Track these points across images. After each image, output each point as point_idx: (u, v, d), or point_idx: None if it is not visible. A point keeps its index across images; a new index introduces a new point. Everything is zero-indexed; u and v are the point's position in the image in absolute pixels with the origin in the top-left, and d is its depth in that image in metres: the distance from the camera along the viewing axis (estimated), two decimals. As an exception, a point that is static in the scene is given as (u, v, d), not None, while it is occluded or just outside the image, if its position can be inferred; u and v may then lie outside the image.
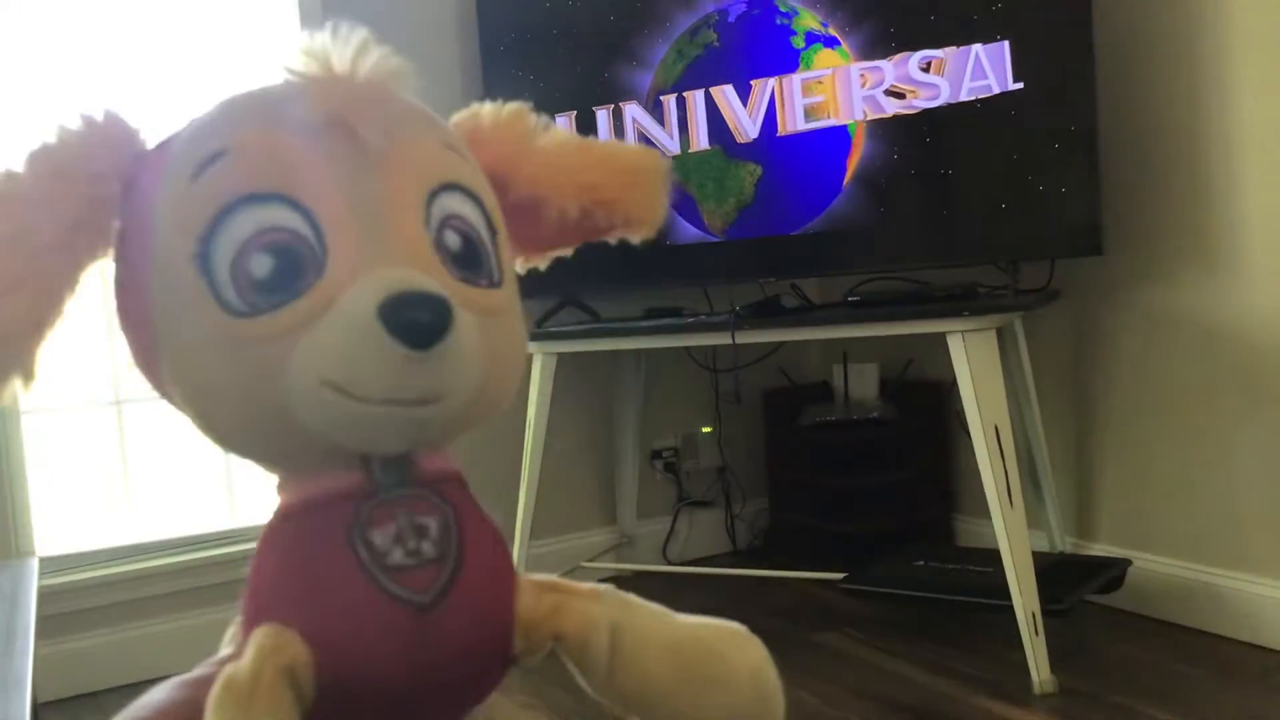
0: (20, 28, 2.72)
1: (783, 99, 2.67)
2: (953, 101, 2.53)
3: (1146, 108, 2.59)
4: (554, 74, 2.95)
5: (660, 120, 2.76)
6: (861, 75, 2.62)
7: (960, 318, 2.33)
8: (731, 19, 2.69)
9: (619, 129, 2.80)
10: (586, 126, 2.87)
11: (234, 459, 3.02)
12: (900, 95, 2.58)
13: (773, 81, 2.68)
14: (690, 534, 3.52)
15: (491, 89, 3.07)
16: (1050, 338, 2.88)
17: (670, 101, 2.74)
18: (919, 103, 2.57)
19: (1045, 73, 2.47)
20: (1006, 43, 2.47)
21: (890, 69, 2.59)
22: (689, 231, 2.84)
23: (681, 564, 3.42)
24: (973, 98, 2.52)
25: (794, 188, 2.70)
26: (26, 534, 2.72)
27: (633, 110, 2.77)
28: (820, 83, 2.65)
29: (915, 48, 2.57)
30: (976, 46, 2.50)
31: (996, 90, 2.49)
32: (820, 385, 3.52)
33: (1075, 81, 2.44)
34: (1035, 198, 2.49)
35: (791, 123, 2.69)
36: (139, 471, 2.87)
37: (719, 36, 2.69)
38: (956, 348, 2.35)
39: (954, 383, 2.39)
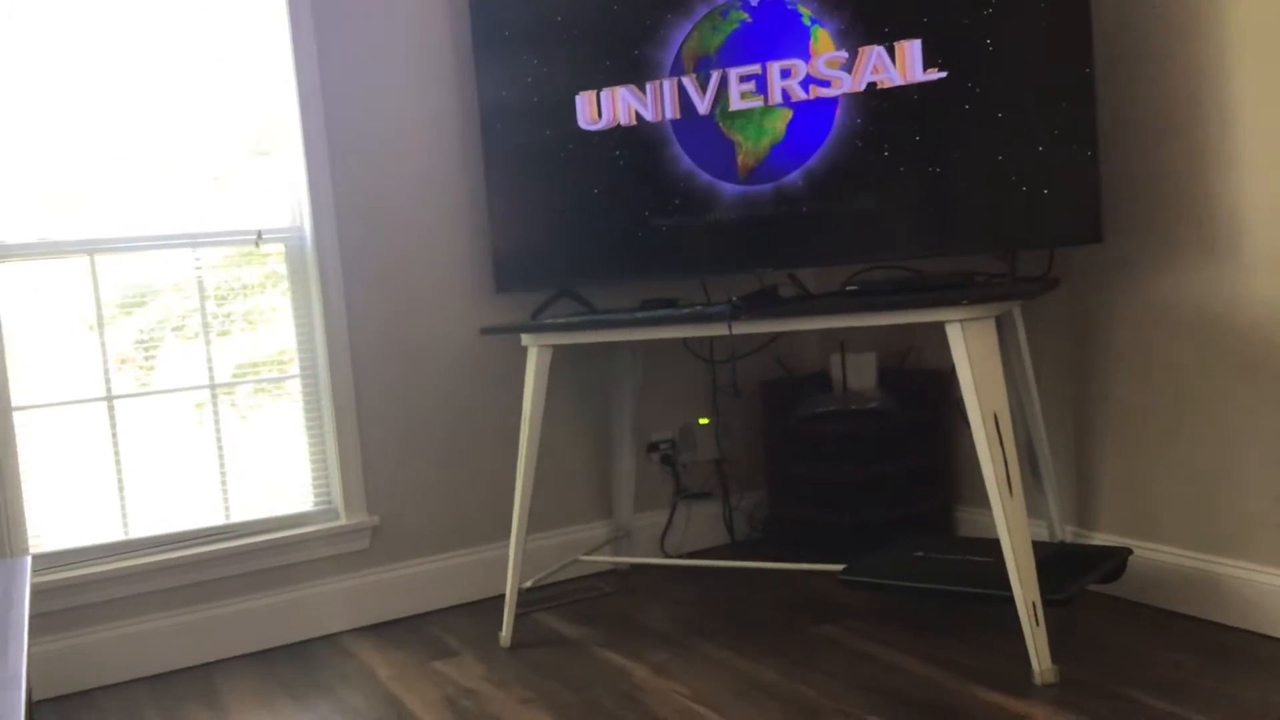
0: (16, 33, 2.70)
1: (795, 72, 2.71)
2: (944, 82, 2.52)
3: (1145, 96, 2.57)
4: (562, 57, 2.94)
5: (703, 85, 2.78)
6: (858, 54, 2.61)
7: (958, 306, 2.31)
8: (755, 3, 2.72)
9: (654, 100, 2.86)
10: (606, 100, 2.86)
11: (228, 453, 2.96)
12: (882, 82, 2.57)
13: (794, 60, 2.71)
14: (688, 526, 3.50)
15: (487, 77, 3.05)
16: (1050, 326, 2.86)
17: (717, 70, 2.78)
18: (903, 80, 2.56)
19: (1043, 60, 2.46)
20: (1001, 29, 2.46)
21: (879, 53, 2.58)
22: (701, 181, 2.83)
23: (679, 556, 3.41)
24: (970, 82, 2.51)
25: (812, 129, 2.72)
26: (20, 531, 2.69)
27: (664, 82, 2.83)
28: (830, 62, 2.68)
29: (905, 35, 2.56)
30: (974, 34, 2.49)
31: (992, 75, 2.47)
32: (818, 375, 3.50)
33: (1073, 70, 2.43)
34: (1034, 186, 2.48)
35: (805, 91, 2.71)
36: (132, 468, 2.85)
37: (750, 15, 2.72)
38: (955, 336, 2.33)
39: (953, 371, 2.38)
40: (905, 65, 2.60)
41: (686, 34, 2.82)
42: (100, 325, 2.81)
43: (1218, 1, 2.40)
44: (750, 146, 2.76)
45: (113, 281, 2.83)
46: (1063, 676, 2.29)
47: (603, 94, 2.91)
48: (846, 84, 2.67)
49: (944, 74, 2.55)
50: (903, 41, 2.59)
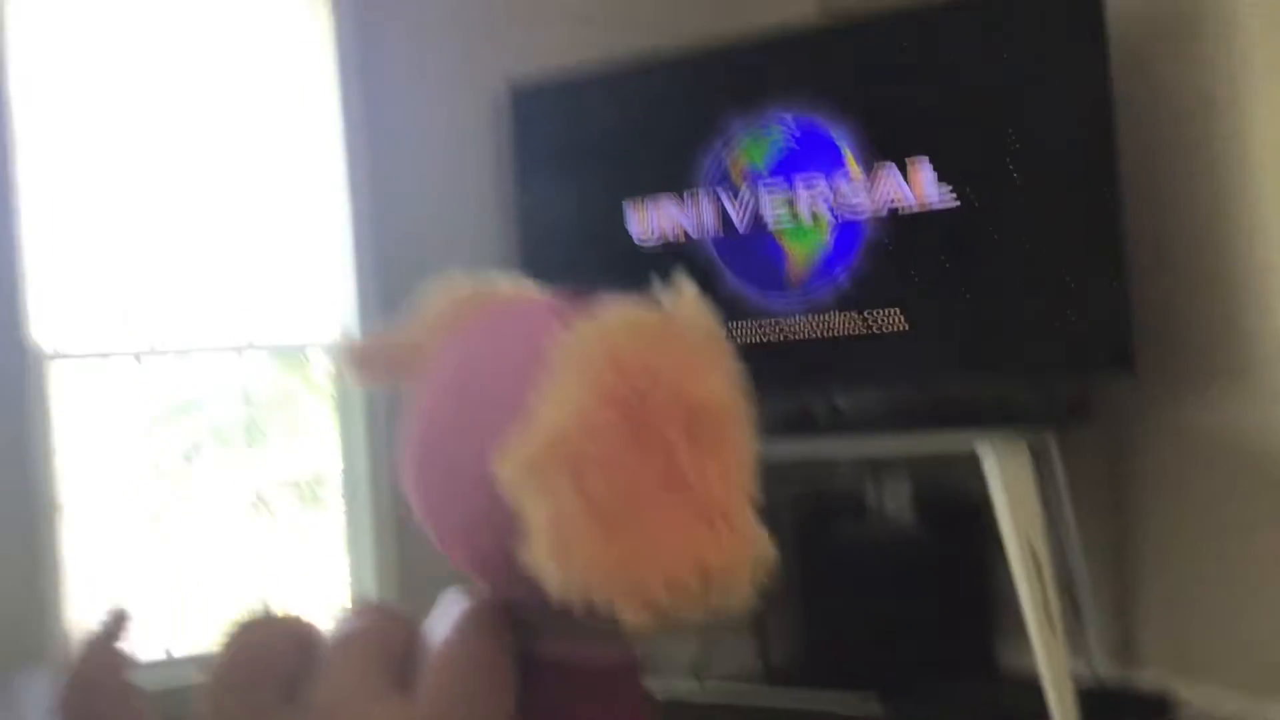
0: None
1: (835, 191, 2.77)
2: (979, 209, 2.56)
3: (1177, 228, 2.59)
4: (604, 172, 3.04)
5: (740, 201, 2.87)
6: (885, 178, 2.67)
7: (992, 432, 2.30)
8: (795, 127, 2.81)
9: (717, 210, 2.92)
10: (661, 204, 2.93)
11: (266, 562, 2.93)
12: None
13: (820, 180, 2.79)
14: (720, 656, 3.42)
15: (527, 188, 3.13)
16: (1086, 455, 2.82)
17: (759, 185, 2.86)
18: (940, 206, 2.60)
19: (1069, 189, 2.49)
20: (1026, 159, 2.51)
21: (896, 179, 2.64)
22: (736, 296, 2.88)
23: (712, 686, 3.32)
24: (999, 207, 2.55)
25: (846, 247, 2.77)
26: (59, 637, 2.70)
27: (721, 192, 2.90)
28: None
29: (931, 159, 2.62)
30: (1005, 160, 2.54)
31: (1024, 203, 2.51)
32: (852, 500, 3.46)
33: (1103, 202, 2.46)
34: (1063, 313, 2.48)
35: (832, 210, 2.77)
36: (179, 583, 2.86)
37: (790, 134, 2.82)
38: (989, 462, 2.31)
39: (989, 500, 2.35)
40: (921, 190, 2.64)
41: (728, 150, 2.89)
42: (147, 430, 2.87)
43: (1246, 128, 2.43)
44: (802, 254, 2.80)
45: (160, 388, 2.91)
46: (1105, 822, 2.19)
47: (647, 206, 2.98)
48: (869, 207, 2.72)
49: (957, 201, 2.58)
50: (918, 165, 2.64)
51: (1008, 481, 2.29)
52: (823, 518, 3.37)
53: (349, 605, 0.96)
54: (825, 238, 2.78)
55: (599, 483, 0.75)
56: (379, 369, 1.01)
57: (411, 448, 0.93)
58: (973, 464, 2.35)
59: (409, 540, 3.05)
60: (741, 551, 0.76)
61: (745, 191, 2.86)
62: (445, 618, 0.94)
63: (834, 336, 2.77)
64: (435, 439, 0.92)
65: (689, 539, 0.76)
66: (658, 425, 0.77)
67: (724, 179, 2.90)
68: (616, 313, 0.82)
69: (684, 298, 0.90)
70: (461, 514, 0.89)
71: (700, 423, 0.79)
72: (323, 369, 3.09)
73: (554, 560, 0.75)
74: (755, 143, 2.87)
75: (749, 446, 0.81)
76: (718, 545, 0.75)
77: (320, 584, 3.04)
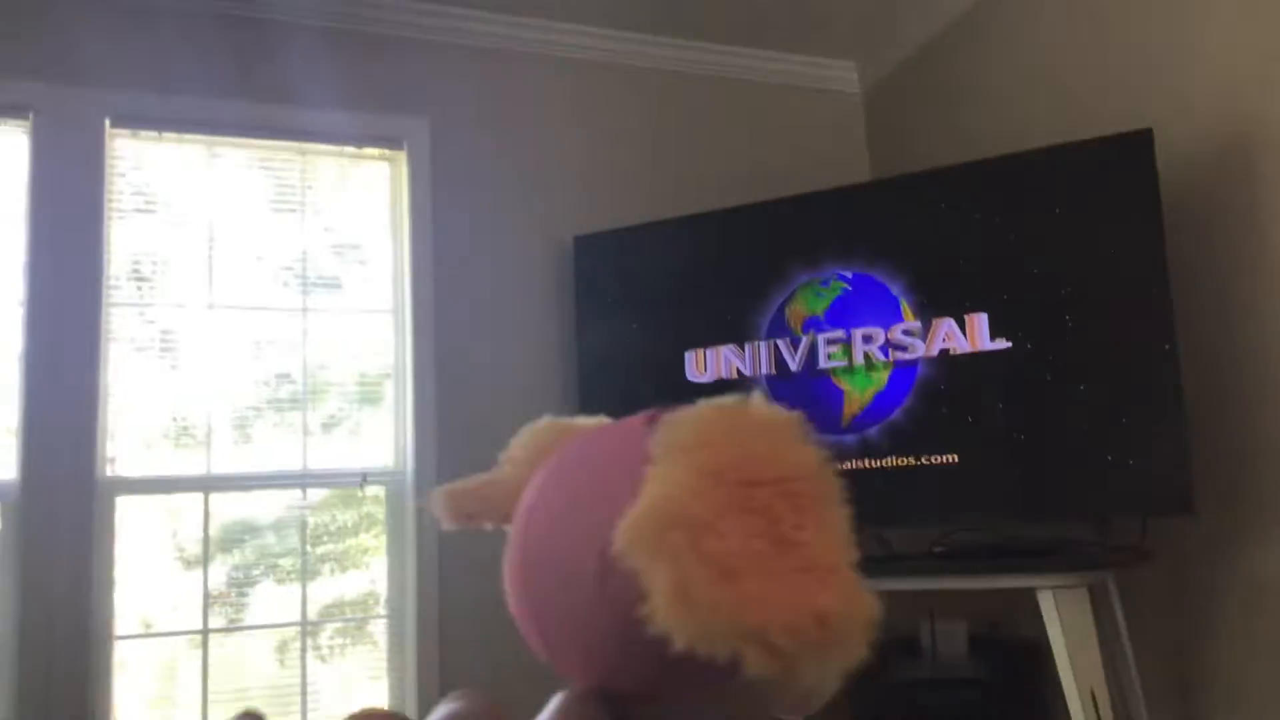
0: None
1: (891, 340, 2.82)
2: (1038, 355, 2.59)
3: (1234, 368, 2.60)
4: (661, 318, 3.13)
5: (795, 346, 2.94)
6: (945, 334, 2.72)
7: (1050, 573, 2.28)
8: (850, 275, 2.90)
9: (775, 358, 3.01)
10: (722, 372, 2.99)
11: (311, 694, 2.95)
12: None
13: (874, 328, 2.84)
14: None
15: (587, 331, 3.22)
16: (1147, 599, 2.78)
17: (823, 330, 2.93)
18: (996, 349, 2.64)
19: (1124, 332, 2.52)
20: (1080, 304, 2.55)
21: (954, 331, 2.69)
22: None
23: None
24: (1054, 351, 2.58)
25: (900, 389, 2.81)
26: (101, 764, 2.71)
27: (779, 340, 2.98)
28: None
29: (977, 309, 2.67)
30: (1060, 308, 2.59)
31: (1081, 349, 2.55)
32: (907, 640, 3.41)
33: (1156, 343, 2.48)
34: (1121, 455, 2.48)
35: (884, 356, 2.81)
36: (217, 704, 2.87)
37: (849, 285, 2.90)
38: (1047, 605, 2.28)
39: (1047, 642, 2.31)
40: (975, 336, 2.69)
41: (787, 299, 2.97)
42: (205, 560, 2.92)
43: (1297, 282, 2.46)
44: (857, 395, 2.84)
45: (218, 518, 2.96)
46: None
47: (707, 352, 3.05)
48: (921, 350, 2.77)
49: (1009, 344, 2.63)
50: (972, 315, 2.70)
51: (1066, 624, 2.26)
52: (877, 659, 3.31)
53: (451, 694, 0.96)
54: (881, 379, 2.83)
55: (712, 539, 0.79)
56: (471, 510, 1.03)
57: (514, 555, 0.96)
58: (1031, 607, 2.32)
59: (450, 674, 3.05)
60: (855, 602, 0.78)
61: (804, 339, 2.93)
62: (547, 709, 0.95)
63: (887, 474, 2.78)
64: (539, 534, 0.95)
65: (804, 588, 0.79)
66: (756, 491, 0.82)
67: (781, 328, 2.98)
68: (703, 405, 0.88)
69: (758, 398, 0.94)
70: (571, 604, 0.91)
71: (795, 489, 0.83)
72: (376, 500, 3.13)
73: (677, 610, 0.78)
74: (814, 294, 2.95)
75: (845, 513, 0.83)
76: (831, 594, 0.78)
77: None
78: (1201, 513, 2.50)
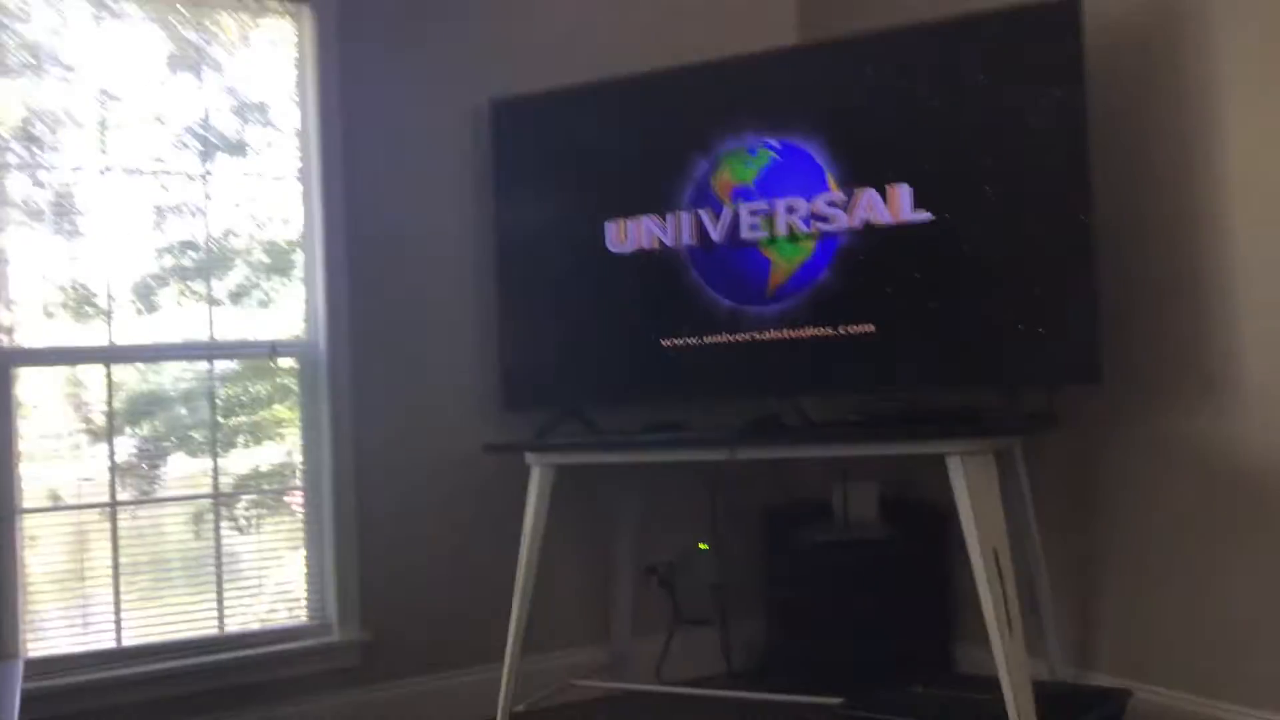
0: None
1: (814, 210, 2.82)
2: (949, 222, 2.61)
3: (1145, 239, 2.65)
4: (583, 187, 3.08)
5: (717, 218, 2.92)
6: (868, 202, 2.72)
7: (959, 439, 2.35)
8: (778, 145, 2.87)
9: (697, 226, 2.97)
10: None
11: (225, 564, 2.96)
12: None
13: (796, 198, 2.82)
14: (685, 653, 3.46)
15: (505, 201, 3.15)
16: (1050, 463, 2.88)
17: (754, 200, 2.90)
18: (915, 220, 2.66)
19: (1041, 205, 2.55)
20: (1000, 175, 2.56)
21: (875, 201, 2.69)
22: (713, 306, 2.91)
23: (675, 684, 3.35)
24: (971, 221, 2.60)
25: (823, 260, 2.83)
26: (12, 636, 2.68)
27: (701, 210, 2.95)
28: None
29: (898, 179, 2.67)
30: (979, 176, 2.60)
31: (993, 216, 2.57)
32: (819, 504, 3.51)
33: (1072, 217, 2.51)
34: (1032, 325, 2.54)
35: (806, 227, 2.80)
36: (129, 576, 2.84)
37: (777, 154, 2.87)
38: (955, 470, 2.35)
39: (953, 505, 2.39)
40: (896, 207, 2.70)
41: (712, 168, 2.92)
42: (110, 432, 2.84)
43: (1216, 139, 2.49)
44: (784, 264, 2.84)
45: (124, 390, 2.88)
46: (1064, 822, 2.24)
47: (628, 223, 3.00)
48: (843, 221, 2.76)
49: (930, 216, 2.64)
50: (894, 185, 2.70)
51: (973, 488, 2.34)
52: (790, 522, 3.41)
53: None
54: (803, 251, 2.82)
55: None
56: None
57: None
58: (939, 471, 2.39)
59: (368, 541, 3.06)
60: None
61: (726, 208, 2.90)
62: None
63: (806, 344, 2.81)
64: None
65: None
66: None
67: (705, 198, 2.93)
68: None
69: None
70: None
71: None
72: (289, 372, 3.07)
73: None
74: (741, 163, 2.90)
75: None
76: None
77: (278, 587, 3.03)
78: (1108, 383, 2.58)
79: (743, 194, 2.89)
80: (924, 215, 2.66)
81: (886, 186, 2.71)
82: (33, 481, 2.76)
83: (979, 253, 2.61)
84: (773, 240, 2.85)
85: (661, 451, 2.82)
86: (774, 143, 2.87)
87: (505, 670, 2.81)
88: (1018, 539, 2.74)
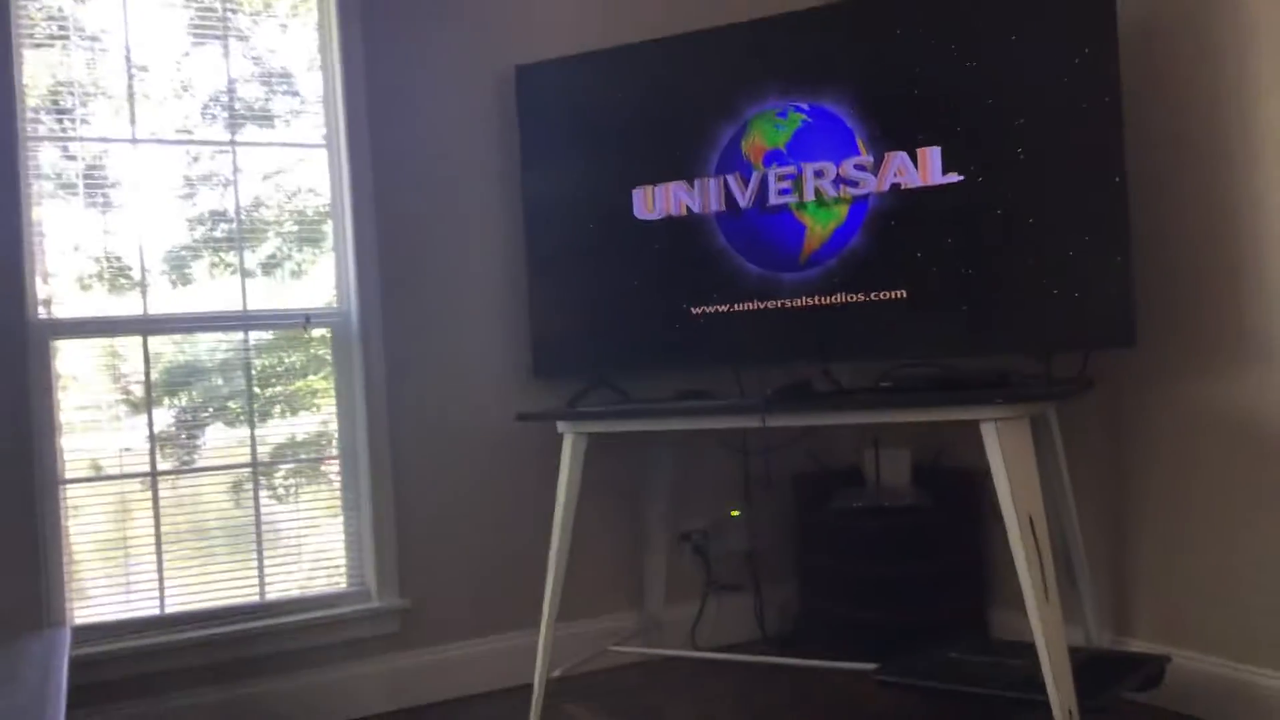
0: (78, 110, 2.83)
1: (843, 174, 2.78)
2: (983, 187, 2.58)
3: (1179, 200, 2.60)
4: (609, 154, 3.05)
5: (745, 182, 2.89)
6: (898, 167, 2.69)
7: (993, 405, 2.32)
8: (807, 108, 2.82)
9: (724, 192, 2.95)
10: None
11: (265, 533, 2.99)
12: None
13: (825, 162, 2.78)
14: (719, 619, 3.48)
15: (532, 169, 3.14)
16: (1086, 428, 2.85)
17: (785, 164, 2.86)
18: (945, 182, 2.62)
19: (1075, 167, 2.50)
20: (1033, 137, 2.52)
21: (906, 164, 2.66)
22: (743, 271, 2.89)
23: (709, 649, 3.37)
24: (1003, 184, 2.56)
25: (854, 224, 2.79)
26: (59, 604, 2.73)
27: (729, 176, 2.91)
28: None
29: (930, 143, 2.63)
30: (1011, 139, 2.56)
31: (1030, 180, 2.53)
32: (851, 471, 3.50)
33: (1106, 177, 2.47)
34: (1066, 289, 2.50)
35: (835, 190, 2.77)
36: (171, 545, 2.89)
37: (808, 116, 2.82)
38: (989, 435, 2.33)
39: (988, 471, 2.37)
40: (927, 170, 2.66)
41: (741, 132, 2.89)
42: (149, 403, 2.88)
43: (1251, 105, 2.44)
44: (819, 229, 2.81)
45: (162, 361, 2.91)
46: (1100, 787, 2.24)
47: (655, 190, 2.98)
48: (871, 185, 2.73)
49: (960, 178, 2.60)
50: (924, 148, 2.65)
51: (1008, 454, 2.32)
52: (822, 489, 3.41)
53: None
54: (837, 216, 2.79)
55: None
56: None
57: None
58: (973, 437, 2.37)
59: (404, 509, 3.09)
60: None
61: (755, 173, 2.87)
62: None
63: (837, 311, 2.78)
64: None
65: None
66: None
67: (734, 163, 2.90)
68: None
69: None
70: None
71: None
72: (323, 342, 3.09)
73: None
74: (772, 127, 2.87)
75: None
76: None
77: (317, 555, 3.07)
78: (1142, 345, 2.54)
79: (775, 158, 2.86)
80: (955, 177, 2.63)
81: (917, 150, 2.67)
82: (74, 452, 2.80)
83: (1011, 215, 2.57)
84: (802, 205, 2.82)
85: (693, 419, 2.82)
86: (804, 106, 2.84)
87: (542, 636, 2.83)
88: (1052, 504, 2.72)
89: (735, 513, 3.49)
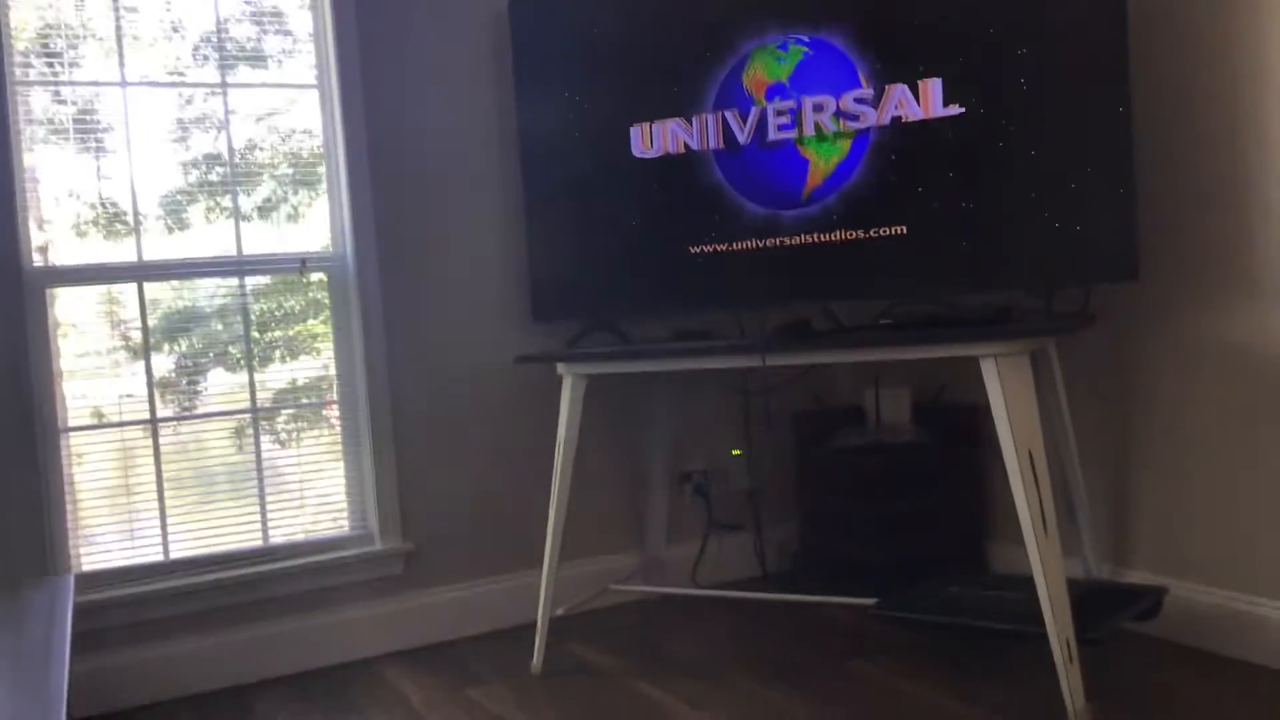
0: (65, 53, 2.79)
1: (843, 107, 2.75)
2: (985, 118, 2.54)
3: (1184, 134, 2.57)
4: (607, 91, 3.00)
5: (744, 118, 2.85)
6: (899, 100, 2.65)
7: (993, 341, 2.32)
8: (808, 40, 2.78)
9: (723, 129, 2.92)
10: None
11: (267, 477, 3.00)
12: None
13: (824, 96, 2.75)
14: (720, 558, 3.50)
15: (528, 108, 3.10)
16: (1086, 363, 2.85)
17: (787, 98, 2.82)
18: (946, 114, 2.58)
19: (1078, 99, 2.46)
20: (1035, 68, 2.48)
21: (907, 97, 2.62)
22: (742, 210, 2.87)
23: (710, 588, 3.40)
24: (1003, 120, 2.53)
25: (855, 159, 2.76)
26: (63, 551, 2.75)
27: (727, 111, 2.87)
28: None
29: (930, 74, 2.59)
30: (1013, 70, 2.52)
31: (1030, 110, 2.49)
32: (852, 409, 3.50)
33: (1109, 109, 2.43)
34: (1069, 223, 2.48)
35: (833, 125, 2.73)
36: (173, 491, 2.90)
37: (809, 49, 2.77)
38: (989, 371, 2.33)
39: (987, 407, 2.37)
40: (927, 102, 2.62)
41: (740, 65, 2.85)
42: (146, 350, 2.87)
43: (1260, 39, 2.40)
44: (822, 164, 2.78)
45: (160, 307, 2.90)
46: (1097, 716, 2.27)
47: (653, 127, 2.95)
48: (872, 119, 2.69)
49: (962, 110, 2.57)
50: (925, 80, 2.61)
51: (1008, 390, 2.31)
52: (823, 428, 3.42)
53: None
54: (839, 150, 2.76)
55: None
56: None
57: None
58: (973, 373, 2.37)
59: (405, 452, 3.09)
60: None
61: (755, 108, 2.83)
62: None
63: (837, 248, 2.76)
64: None
65: None
66: None
67: (733, 97, 2.86)
68: None
69: None
70: None
71: None
72: (320, 286, 3.08)
73: None
74: (773, 60, 2.82)
75: None
76: None
77: (319, 498, 3.08)
78: (1145, 279, 2.53)
79: (778, 91, 2.82)
80: (956, 110, 2.59)
81: (918, 82, 2.63)
82: (76, 400, 2.80)
83: (1013, 148, 2.54)
84: (802, 139, 2.79)
85: (692, 359, 2.82)
86: (804, 38, 2.79)
87: (544, 576, 2.85)
88: (1052, 438, 2.72)
89: (736, 452, 3.50)
